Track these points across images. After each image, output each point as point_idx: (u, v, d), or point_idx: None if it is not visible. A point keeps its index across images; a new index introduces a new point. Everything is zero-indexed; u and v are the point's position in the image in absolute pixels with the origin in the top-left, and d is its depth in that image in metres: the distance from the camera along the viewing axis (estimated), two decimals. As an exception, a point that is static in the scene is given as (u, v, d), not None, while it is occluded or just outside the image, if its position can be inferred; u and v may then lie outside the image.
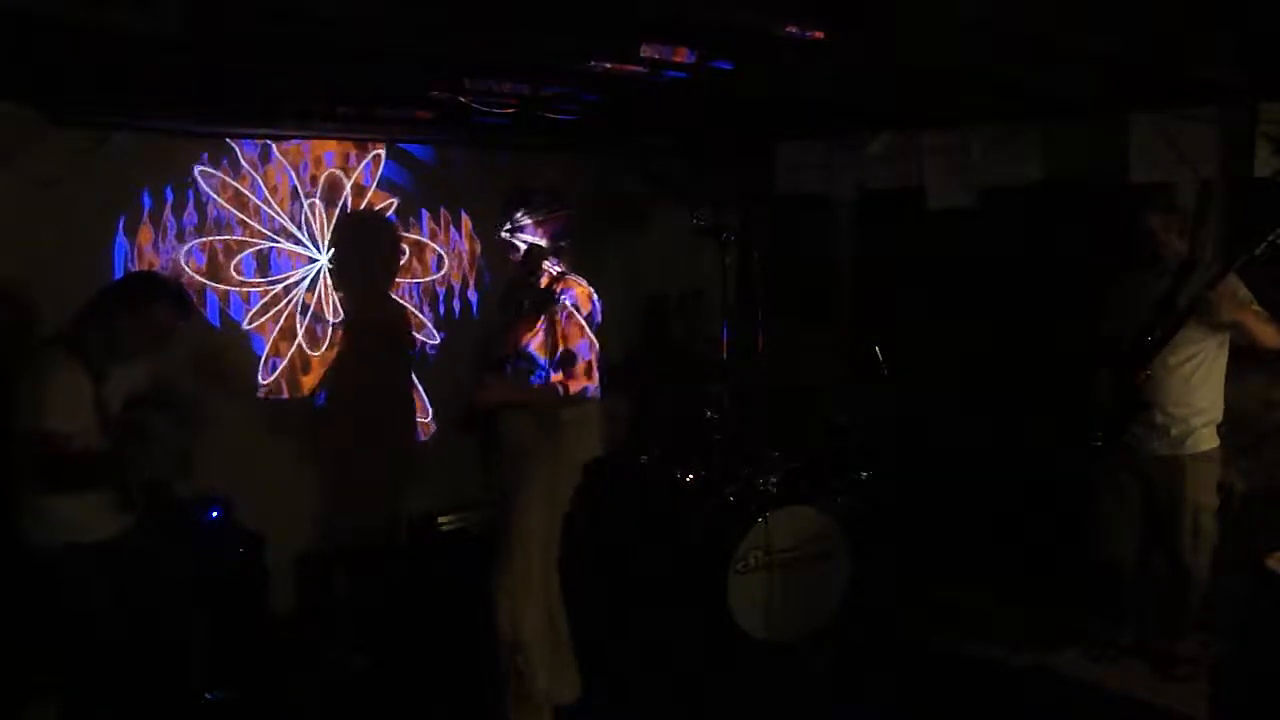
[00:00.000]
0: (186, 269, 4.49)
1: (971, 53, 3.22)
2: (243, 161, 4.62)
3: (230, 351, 4.58)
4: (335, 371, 4.94)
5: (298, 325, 4.83)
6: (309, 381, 4.87)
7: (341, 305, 4.96)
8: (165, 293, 3.41)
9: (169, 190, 4.42)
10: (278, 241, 4.75)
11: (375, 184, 5.03)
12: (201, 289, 4.53)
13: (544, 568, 3.62)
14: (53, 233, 4.02)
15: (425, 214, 5.21)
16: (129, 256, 4.31)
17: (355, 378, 4.97)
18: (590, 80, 3.62)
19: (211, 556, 4.12)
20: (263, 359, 4.73)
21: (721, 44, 3.13)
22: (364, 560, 4.86)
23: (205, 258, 4.56)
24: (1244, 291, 3.72)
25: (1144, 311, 3.82)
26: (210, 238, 4.56)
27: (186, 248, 4.48)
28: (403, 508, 5.09)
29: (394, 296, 5.15)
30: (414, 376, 5.23)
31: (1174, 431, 3.84)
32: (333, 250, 4.90)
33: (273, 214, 4.73)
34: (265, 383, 4.73)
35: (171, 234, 4.44)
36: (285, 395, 4.79)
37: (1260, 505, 4.17)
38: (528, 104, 4.08)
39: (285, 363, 4.80)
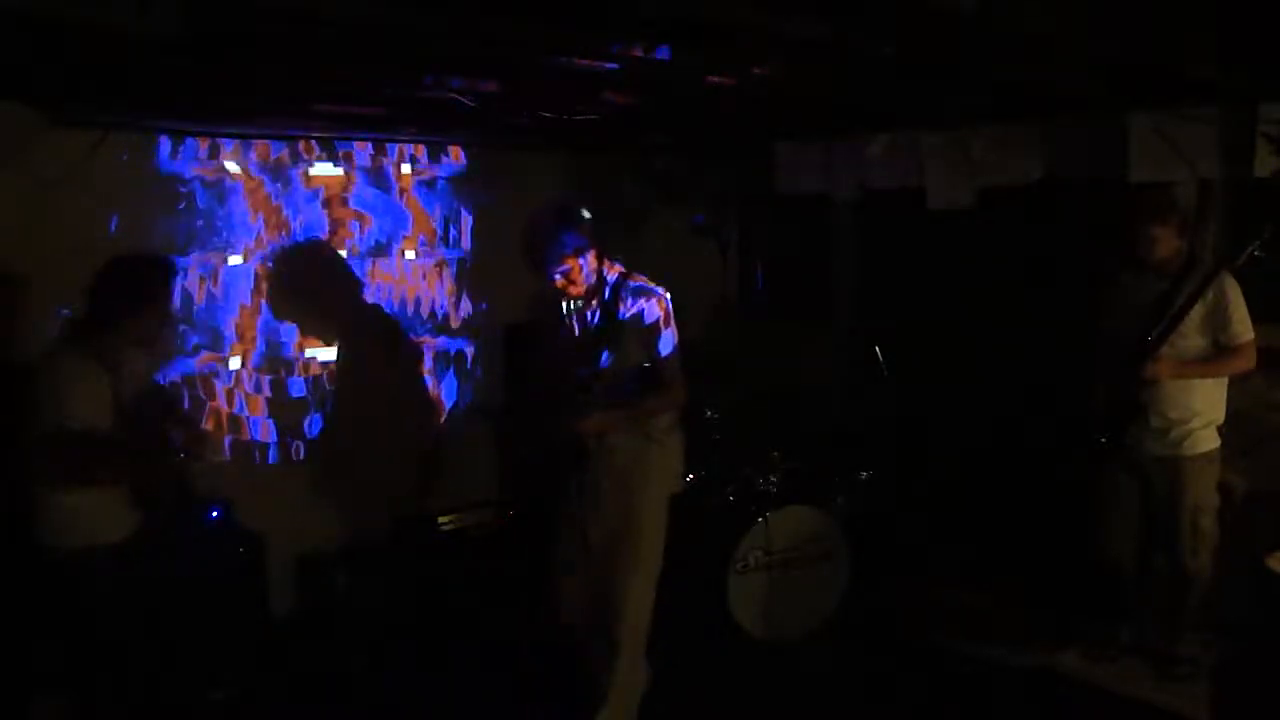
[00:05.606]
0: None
1: (971, 53, 3.22)
2: (239, 161, 4.62)
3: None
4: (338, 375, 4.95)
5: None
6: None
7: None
8: (168, 280, 3.41)
9: (167, 189, 4.43)
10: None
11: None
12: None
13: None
14: (52, 233, 4.01)
15: (428, 214, 5.21)
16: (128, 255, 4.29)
17: (354, 380, 4.97)
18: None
19: (212, 556, 4.12)
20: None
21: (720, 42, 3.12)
22: (364, 560, 4.86)
23: (204, 256, 4.56)
24: (1241, 309, 3.71)
25: (1144, 312, 3.82)
26: (207, 236, 4.56)
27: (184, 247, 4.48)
28: (402, 508, 5.09)
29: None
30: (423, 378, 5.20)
31: (1172, 434, 3.84)
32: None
33: (270, 215, 4.73)
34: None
35: (167, 232, 4.44)
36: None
37: (1260, 505, 4.17)
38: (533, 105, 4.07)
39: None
